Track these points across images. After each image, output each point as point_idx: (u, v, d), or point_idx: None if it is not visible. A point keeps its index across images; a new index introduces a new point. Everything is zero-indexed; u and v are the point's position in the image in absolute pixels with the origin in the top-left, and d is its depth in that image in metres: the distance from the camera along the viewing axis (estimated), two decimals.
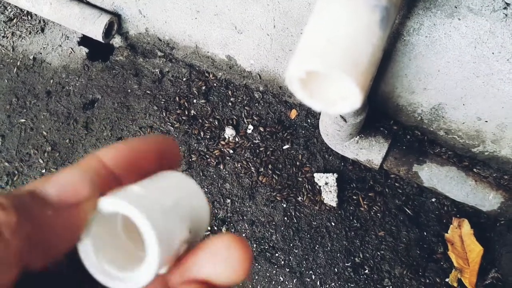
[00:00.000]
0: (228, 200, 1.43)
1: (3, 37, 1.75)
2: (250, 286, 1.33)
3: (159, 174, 0.26)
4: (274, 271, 1.35)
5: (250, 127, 1.52)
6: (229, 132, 1.51)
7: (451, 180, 1.33)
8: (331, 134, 1.34)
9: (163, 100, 1.58)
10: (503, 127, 1.23)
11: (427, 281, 1.31)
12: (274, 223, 1.40)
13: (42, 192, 0.22)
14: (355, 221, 1.39)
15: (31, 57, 1.70)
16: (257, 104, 1.55)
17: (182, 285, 0.24)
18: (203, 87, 1.59)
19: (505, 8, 0.91)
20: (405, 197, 1.41)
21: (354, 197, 1.41)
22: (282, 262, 1.36)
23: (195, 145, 1.51)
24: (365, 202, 1.40)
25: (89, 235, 0.23)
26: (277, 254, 1.37)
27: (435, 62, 1.14)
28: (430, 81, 1.21)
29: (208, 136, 1.52)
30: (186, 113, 1.55)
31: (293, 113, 1.53)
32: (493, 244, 1.32)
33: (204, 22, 1.42)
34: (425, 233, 1.37)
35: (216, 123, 1.53)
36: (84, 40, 1.71)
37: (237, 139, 1.50)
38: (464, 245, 1.32)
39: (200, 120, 1.54)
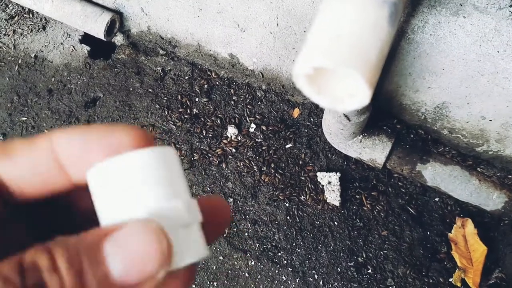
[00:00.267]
0: (231, 199, 1.43)
1: (5, 35, 1.74)
2: (253, 285, 1.33)
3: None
4: (276, 271, 1.34)
5: (253, 125, 1.51)
6: (231, 130, 1.50)
7: (454, 180, 1.32)
8: (334, 133, 1.33)
9: (165, 98, 1.58)
10: (508, 126, 1.22)
11: (431, 281, 1.30)
12: (276, 222, 1.39)
13: None
14: (358, 220, 1.39)
15: (33, 55, 1.69)
16: (259, 103, 1.54)
17: None
18: (205, 86, 1.58)
19: (511, 6, 0.90)
20: (409, 197, 1.41)
21: (357, 196, 1.41)
22: (285, 262, 1.35)
23: (197, 143, 1.50)
24: (368, 202, 1.40)
25: None
26: (279, 254, 1.36)
27: (439, 61, 1.13)
28: (434, 79, 1.20)
29: (210, 135, 1.51)
30: (188, 111, 1.55)
31: (296, 112, 1.52)
32: (497, 244, 1.31)
33: (206, 20, 1.41)
34: (428, 233, 1.36)
35: (218, 121, 1.52)
36: (86, 38, 1.70)
37: (239, 138, 1.50)
38: (468, 244, 1.31)
39: (202, 119, 1.53)
